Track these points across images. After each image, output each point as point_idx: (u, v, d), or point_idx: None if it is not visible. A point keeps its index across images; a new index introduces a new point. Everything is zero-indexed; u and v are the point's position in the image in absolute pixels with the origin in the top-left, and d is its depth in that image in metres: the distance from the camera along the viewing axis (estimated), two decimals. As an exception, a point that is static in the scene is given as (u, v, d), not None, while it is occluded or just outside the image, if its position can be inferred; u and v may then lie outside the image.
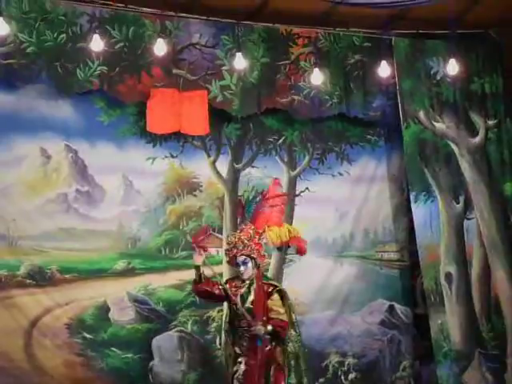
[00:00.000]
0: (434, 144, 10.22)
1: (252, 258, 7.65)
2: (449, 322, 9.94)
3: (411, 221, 10.17)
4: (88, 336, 9.21)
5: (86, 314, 9.26)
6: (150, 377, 9.38)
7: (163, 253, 9.66)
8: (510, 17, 9.68)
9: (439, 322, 9.93)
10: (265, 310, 7.52)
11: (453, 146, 10.29)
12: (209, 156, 9.88)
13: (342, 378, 10.10)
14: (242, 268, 7.63)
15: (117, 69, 9.14)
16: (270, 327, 7.49)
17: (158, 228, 9.67)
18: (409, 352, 10.32)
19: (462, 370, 9.94)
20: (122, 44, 9.14)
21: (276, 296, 7.68)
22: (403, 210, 10.42)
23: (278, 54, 9.76)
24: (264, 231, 7.75)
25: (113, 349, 9.26)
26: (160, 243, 9.65)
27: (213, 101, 9.50)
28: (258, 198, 7.96)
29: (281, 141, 10.13)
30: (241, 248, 7.63)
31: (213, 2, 9.29)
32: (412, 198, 10.09)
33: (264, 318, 7.50)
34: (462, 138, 10.30)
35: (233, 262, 7.74)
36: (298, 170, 10.19)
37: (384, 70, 9.87)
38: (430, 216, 10.09)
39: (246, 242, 7.65)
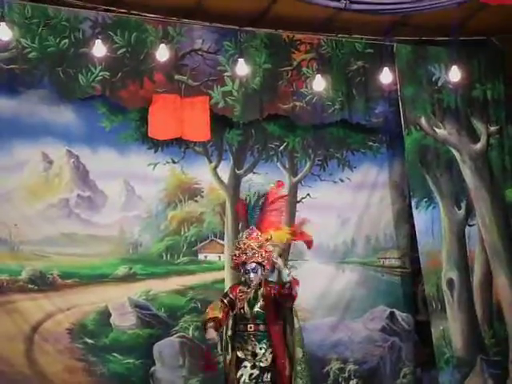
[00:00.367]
0: (435, 150, 10.22)
1: (262, 266, 7.62)
2: (451, 329, 9.93)
3: (413, 227, 10.16)
4: (89, 341, 9.21)
5: (88, 319, 9.27)
6: (152, 382, 9.39)
7: (164, 258, 9.66)
8: (512, 24, 9.71)
9: (441, 328, 9.92)
10: (276, 313, 7.49)
11: (454, 152, 10.29)
12: (210, 162, 9.89)
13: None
14: (251, 275, 7.56)
15: (119, 74, 9.16)
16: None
17: (160, 234, 9.68)
18: (409, 359, 10.31)
19: (464, 376, 9.93)
20: (124, 50, 9.16)
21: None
22: (405, 217, 10.41)
23: (280, 60, 9.77)
24: (271, 237, 7.70)
25: (114, 354, 9.26)
26: (161, 249, 9.66)
27: (214, 107, 9.52)
28: (260, 202, 7.89)
29: (282, 147, 10.13)
30: (250, 255, 7.56)
31: (215, 8, 9.30)
32: (413, 204, 10.08)
33: (280, 322, 7.49)
34: (463, 144, 10.30)
35: (239, 268, 7.67)
36: (299, 176, 10.20)
37: (386, 76, 9.88)
38: (431, 222, 10.08)
39: (256, 248, 7.58)
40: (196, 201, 9.84)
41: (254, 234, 7.64)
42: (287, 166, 10.17)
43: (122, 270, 9.45)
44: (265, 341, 7.51)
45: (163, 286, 9.55)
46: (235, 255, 7.64)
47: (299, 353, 7.52)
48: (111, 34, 9.10)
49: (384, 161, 10.47)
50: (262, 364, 7.48)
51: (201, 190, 9.87)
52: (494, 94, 10.32)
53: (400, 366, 10.30)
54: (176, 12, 9.31)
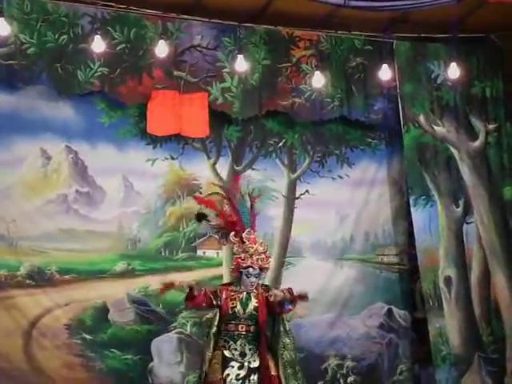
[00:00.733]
0: (433, 148, 10.22)
1: (263, 271, 7.60)
2: (448, 326, 9.93)
3: (411, 224, 10.17)
4: (87, 337, 9.21)
5: (86, 314, 9.26)
6: (150, 378, 9.39)
7: (163, 254, 9.67)
8: (511, 21, 9.69)
9: (438, 325, 9.93)
10: (267, 315, 7.47)
11: (453, 149, 10.28)
12: (209, 158, 9.88)
13: (341, 381, 10.10)
14: (253, 279, 7.51)
15: (118, 70, 9.15)
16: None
17: (158, 230, 9.68)
18: (407, 356, 10.31)
19: (461, 373, 9.93)
20: (123, 45, 9.17)
21: (270, 291, 7.59)
22: (403, 214, 10.40)
23: (279, 56, 9.77)
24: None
25: (112, 350, 9.26)
26: (160, 245, 9.66)
27: (213, 103, 9.52)
28: (248, 203, 7.79)
29: (281, 143, 10.12)
30: (255, 259, 7.51)
31: (214, 3, 9.29)
32: (411, 201, 10.09)
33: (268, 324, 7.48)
34: (462, 141, 10.29)
35: (240, 270, 7.55)
36: (298, 172, 10.19)
37: (385, 73, 9.88)
38: (429, 220, 10.09)
39: (261, 253, 7.54)
40: (195, 197, 9.82)
41: (253, 236, 7.57)
42: (286, 163, 10.16)
43: (120, 266, 9.45)
44: (254, 342, 7.50)
45: (162, 282, 9.53)
46: (241, 258, 7.53)
47: (288, 356, 7.50)
48: (110, 29, 9.10)
49: (383, 158, 10.46)
50: (250, 365, 7.46)
51: (199, 186, 9.86)
52: (493, 91, 10.31)
53: (397, 363, 10.30)
54: (175, 8, 9.30)
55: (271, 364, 7.45)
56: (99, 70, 9.04)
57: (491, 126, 10.37)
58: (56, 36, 8.89)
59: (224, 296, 7.53)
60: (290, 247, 10.04)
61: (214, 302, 7.51)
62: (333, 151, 10.31)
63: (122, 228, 9.53)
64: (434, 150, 10.23)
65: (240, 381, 7.43)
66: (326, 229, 10.19)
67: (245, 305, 7.52)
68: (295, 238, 10.09)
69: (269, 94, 9.72)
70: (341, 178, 10.30)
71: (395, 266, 10.47)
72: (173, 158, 9.73)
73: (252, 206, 7.72)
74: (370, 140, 10.41)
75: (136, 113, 9.49)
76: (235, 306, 7.51)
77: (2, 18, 8.53)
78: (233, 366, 7.45)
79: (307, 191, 10.17)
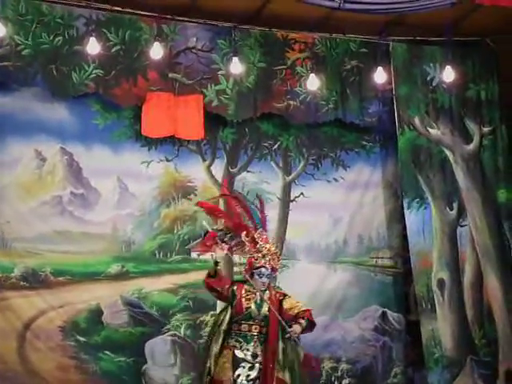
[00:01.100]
0: (428, 150, 10.23)
1: (274, 271, 7.64)
2: (440, 329, 9.94)
3: (405, 227, 10.17)
4: (81, 339, 9.21)
5: (80, 316, 9.27)
6: (143, 380, 9.40)
7: (157, 257, 9.66)
8: (507, 25, 9.69)
9: (431, 328, 9.93)
10: (277, 317, 7.48)
11: (447, 152, 10.29)
12: (204, 160, 9.89)
13: (336, 383, 10.11)
14: (265, 279, 7.55)
15: (113, 72, 9.16)
16: (302, 321, 7.51)
17: (153, 232, 9.68)
18: (400, 359, 10.32)
19: (454, 376, 9.95)
20: (118, 47, 9.17)
21: (287, 298, 7.68)
22: (397, 217, 10.41)
23: (274, 58, 9.78)
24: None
25: (106, 352, 9.26)
26: (154, 247, 9.66)
27: (208, 105, 9.53)
28: (257, 205, 7.86)
29: (276, 146, 10.13)
30: (268, 259, 7.57)
31: (210, 6, 9.30)
32: (405, 204, 10.09)
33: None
34: (456, 144, 10.31)
35: (252, 271, 7.57)
36: (293, 175, 10.20)
37: (380, 75, 9.89)
38: (422, 223, 10.09)
39: (274, 253, 7.61)
40: (189, 199, 9.83)
41: (265, 236, 7.62)
42: (281, 165, 10.17)
43: (114, 268, 9.45)
44: (265, 343, 7.50)
45: (156, 285, 9.56)
46: (254, 258, 7.56)
47: (291, 358, 7.54)
48: (105, 31, 9.10)
49: (377, 160, 10.47)
50: (261, 366, 7.47)
51: (194, 189, 9.86)
52: (488, 94, 10.32)
53: (391, 366, 10.32)
54: (170, 10, 9.30)
55: (278, 367, 7.46)
56: (94, 71, 9.05)
57: (486, 129, 10.38)
58: (51, 37, 8.90)
59: (238, 296, 7.53)
60: (285, 249, 9.99)
61: (230, 298, 7.53)
62: (328, 154, 10.32)
63: (117, 230, 9.53)
64: (428, 153, 10.24)
65: (250, 382, 7.46)
66: (320, 231, 10.20)
67: (259, 306, 7.54)
68: (290, 240, 10.10)
69: (264, 97, 9.73)
70: (336, 180, 10.31)
71: (389, 269, 10.48)
72: (168, 160, 9.73)
73: (262, 206, 7.77)
74: (364, 143, 10.42)
75: (131, 115, 9.50)
76: (250, 307, 7.50)
77: (-3, 20, 8.55)
78: (244, 367, 7.47)
79: (302, 194, 10.18)
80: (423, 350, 9.92)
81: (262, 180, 9.99)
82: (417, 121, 10.19)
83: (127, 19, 9.20)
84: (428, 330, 9.93)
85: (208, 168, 9.89)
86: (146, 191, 9.67)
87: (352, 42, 10.00)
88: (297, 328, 7.48)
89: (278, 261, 7.67)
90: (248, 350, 7.49)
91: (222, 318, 7.59)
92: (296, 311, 7.58)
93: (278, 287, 7.85)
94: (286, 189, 10.16)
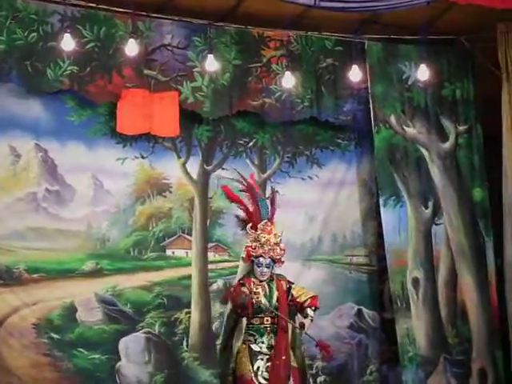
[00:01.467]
0: (404, 149, 10.25)
1: (274, 262, 7.62)
2: (415, 327, 9.97)
3: (380, 225, 10.19)
4: (55, 336, 9.16)
5: (54, 314, 9.22)
6: (117, 378, 9.36)
7: (132, 254, 9.63)
8: (481, 24, 9.74)
9: (405, 326, 9.96)
10: (287, 306, 7.52)
11: (423, 151, 10.32)
12: (179, 157, 9.86)
13: (311, 381, 10.06)
14: (265, 270, 7.55)
15: (88, 69, 9.13)
16: (310, 311, 7.59)
17: (127, 229, 9.64)
18: (375, 356, 10.34)
19: (427, 374, 9.97)
20: (93, 44, 9.14)
21: (295, 286, 7.72)
22: (372, 215, 10.43)
23: (249, 56, 9.77)
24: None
25: (80, 349, 9.22)
26: (129, 244, 9.63)
27: (184, 102, 9.51)
28: (269, 196, 7.89)
29: (251, 143, 10.12)
30: (267, 249, 7.56)
31: (185, 3, 9.30)
32: (381, 202, 10.11)
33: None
34: (432, 143, 10.33)
35: (251, 260, 7.58)
36: (268, 172, 10.19)
37: (355, 74, 9.89)
38: (398, 221, 10.12)
39: (273, 244, 7.60)
40: (164, 196, 9.82)
41: (269, 228, 7.62)
42: (256, 163, 10.16)
43: (88, 266, 9.41)
44: (277, 334, 7.50)
45: (130, 282, 9.51)
46: (251, 247, 7.56)
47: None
48: (80, 27, 9.07)
49: (352, 158, 10.48)
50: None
51: (169, 186, 9.85)
52: (463, 93, 10.36)
53: (367, 363, 10.33)
54: (146, 7, 9.29)
55: (292, 356, 7.50)
56: (69, 68, 9.01)
57: (461, 128, 10.41)
58: (25, 34, 8.85)
59: (250, 293, 7.44)
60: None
61: (239, 311, 7.48)
62: (303, 152, 10.32)
63: (91, 227, 9.49)
64: (404, 151, 10.26)
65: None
66: (294, 229, 10.12)
67: (269, 297, 7.53)
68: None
69: (239, 94, 9.72)
70: (310, 178, 10.31)
71: (364, 267, 10.49)
72: (143, 157, 9.70)
73: (273, 199, 7.82)
74: (339, 141, 10.43)
75: (106, 111, 9.46)
76: (260, 300, 7.44)
77: (-29, 16, 8.51)
78: (262, 359, 7.47)
79: (277, 191, 10.13)
80: (398, 348, 9.94)
81: (236, 177, 9.95)
82: (392, 119, 10.22)
83: (102, 16, 9.16)
84: (403, 328, 9.96)
85: (183, 165, 9.87)
86: (121, 188, 9.63)
87: (327, 40, 10.01)
88: (308, 324, 7.56)
89: (280, 252, 7.61)
90: (263, 342, 7.50)
91: (235, 315, 7.53)
92: (303, 298, 7.63)
93: (282, 275, 7.79)
94: (261, 186, 10.09)
